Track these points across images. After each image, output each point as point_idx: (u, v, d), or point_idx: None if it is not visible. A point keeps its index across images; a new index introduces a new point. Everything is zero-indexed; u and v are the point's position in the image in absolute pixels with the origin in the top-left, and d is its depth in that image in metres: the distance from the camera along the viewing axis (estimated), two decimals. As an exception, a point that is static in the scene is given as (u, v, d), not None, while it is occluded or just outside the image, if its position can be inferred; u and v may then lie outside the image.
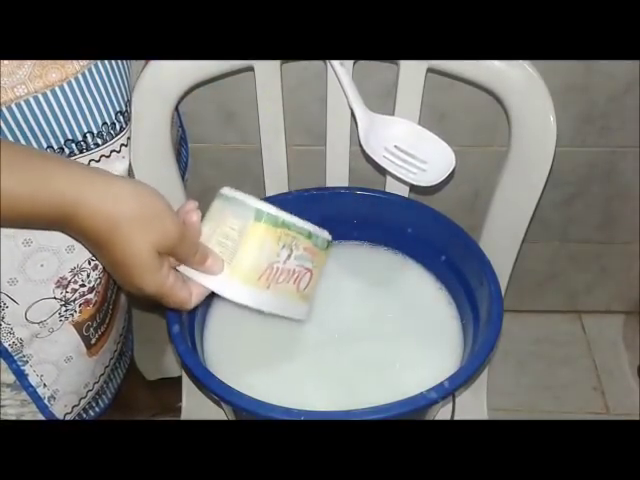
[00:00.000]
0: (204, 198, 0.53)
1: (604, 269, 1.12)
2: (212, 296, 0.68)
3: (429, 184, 0.64)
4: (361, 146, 0.66)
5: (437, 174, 0.64)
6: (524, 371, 1.13)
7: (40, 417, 0.62)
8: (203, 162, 0.92)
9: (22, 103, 0.47)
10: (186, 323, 0.60)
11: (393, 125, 0.67)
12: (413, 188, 0.72)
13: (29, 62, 0.46)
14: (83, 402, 0.66)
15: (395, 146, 0.66)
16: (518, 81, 0.63)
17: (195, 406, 0.77)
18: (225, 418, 0.70)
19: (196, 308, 0.63)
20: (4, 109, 0.46)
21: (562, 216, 1.02)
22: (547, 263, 1.11)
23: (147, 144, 0.65)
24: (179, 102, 0.66)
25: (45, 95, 0.48)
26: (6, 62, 0.45)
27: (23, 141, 0.48)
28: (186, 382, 0.78)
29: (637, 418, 1.04)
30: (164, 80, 0.63)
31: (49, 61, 0.47)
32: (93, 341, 0.62)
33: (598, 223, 1.04)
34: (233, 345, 0.65)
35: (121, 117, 0.54)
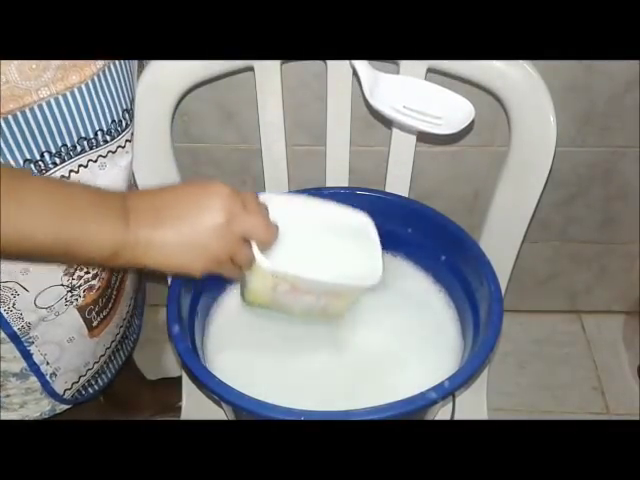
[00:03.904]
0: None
1: (604, 269, 1.12)
2: (216, 294, 0.68)
3: (446, 133, 0.60)
4: (366, 101, 0.62)
5: (455, 126, 0.60)
6: (524, 371, 1.13)
7: (43, 403, 0.65)
8: (203, 162, 0.92)
9: (44, 104, 0.48)
10: (186, 323, 0.60)
11: (400, 84, 0.62)
12: (424, 138, 0.67)
13: (53, 66, 0.47)
14: (83, 380, 0.68)
15: (404, 106, 0.62)
16: (518, 81, 0.63)
17: (195, 406, 0.77)
18: (225, 418, 0.70)
19: (196, 307, 0.64)
20: (27, 111, 0.48)
21: (562, 216, 1.02)
22: (547, 263, 1.11)
23: (147, 143, 0.65)
24: (180, 101, 0.66)
25: (65, 96, 0.50)
26: (33, 66, 0.46)
27: (41, 141, 0.50)
28: (186, 382, 0.78)
29: (637, 418, 1.04)
30: (165, 80, 0.63)
31: (70, 65, 0.49)
32: (95, 324, 0.64)
33: (598, 223, 1.04)
34: (234, 345, 0.65)
35: (127, 114, 0.57)
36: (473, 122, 0.60)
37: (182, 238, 0.47)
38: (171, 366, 1.12)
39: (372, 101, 0.61)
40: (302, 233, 0.59)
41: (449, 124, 0.61)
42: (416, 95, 0.62)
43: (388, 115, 0.62)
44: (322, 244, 0.60)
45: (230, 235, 0.49)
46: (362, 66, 0.61)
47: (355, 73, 0.62)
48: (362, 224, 0.62)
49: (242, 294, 0.59)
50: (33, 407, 0.65)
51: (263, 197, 0.54)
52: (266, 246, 0.52)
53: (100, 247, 0.45)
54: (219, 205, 0.48)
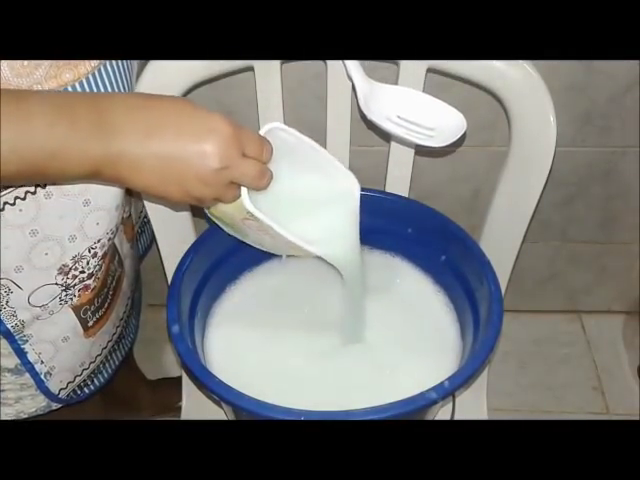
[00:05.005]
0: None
1: (604, 269, 1.12)
2: (216, 294, 0.68)
3: (437, 146, 0.62)
4: (360, 111, 0.63)
5: (446, 139, 0.61)
6: (524, 371, 1.13)
7: (38, 399, 0.65)
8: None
9: None
10: (186, 323, 0.60)
11: (394, 94, 0.63)
12: (419, 149, 0.69)
13: (46, 63, 0.47)
14: (78, 379, 0.68)
15: (398, 116, 0.63)
16: (518, 81, 0.63)
17: (195, 406, 0.77)
18: (225, 418, 0.70)
19: (196, 307, 0.64)
20: None
21: (562, 216, 1.02)
22: (547, 263, 1.11)
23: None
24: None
25: None
26: (25, 63, 0.46)
27: None
28: (186, 382, 0.78)
29: (637, 418, 1.04)
30: (165, 80, 0.63)
31: (64, 62, 0.48)
32: (90, 324, 0.64)
33: (598, 223, 1.04)
34: (234, 345, 0.65)
35: None
36: (465, 135, 0.61)
37: (168, 161, 0.44)
38: (171, 366, 1.12)
39: (367, 112, 0.62)
40: (293, 178, 0.57)
41: (441, 136, 0.62)
42: (410, 106, 0.63)
43: (382, 126, 0.63)
44: (307, 198, 0.59)
45: (219, 180, 0.46)
46: (358, 76, 0.62)
47: (351, 82, 0.63)
48: (350, 197, 0.60)
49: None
50: (29, 403, 0.65)
51: (270, 127, 0.52)
52: (254, 190, 0.50)
53: (76, 166, 0.42)
54: (216, 148, 0.44)
